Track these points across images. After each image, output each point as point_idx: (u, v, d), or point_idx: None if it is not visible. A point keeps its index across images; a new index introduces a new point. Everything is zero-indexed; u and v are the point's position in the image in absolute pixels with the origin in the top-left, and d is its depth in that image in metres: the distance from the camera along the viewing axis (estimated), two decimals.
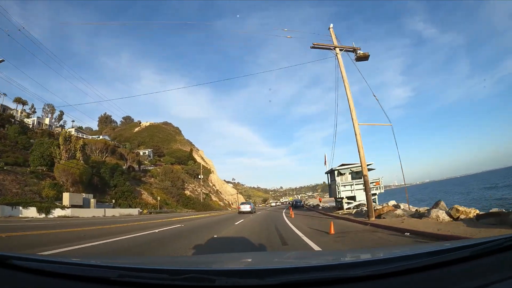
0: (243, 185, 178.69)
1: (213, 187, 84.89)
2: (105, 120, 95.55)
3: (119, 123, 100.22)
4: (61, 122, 61.83)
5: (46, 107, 59.88)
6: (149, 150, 74.11)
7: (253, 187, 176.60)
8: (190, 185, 65.13)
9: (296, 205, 43.54)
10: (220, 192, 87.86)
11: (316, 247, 5.86)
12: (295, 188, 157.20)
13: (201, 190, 62.10)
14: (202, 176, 64.93)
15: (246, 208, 27.87)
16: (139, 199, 40.82)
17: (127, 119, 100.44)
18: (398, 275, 1.11)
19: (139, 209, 34.64)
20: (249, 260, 2.23)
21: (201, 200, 58.46)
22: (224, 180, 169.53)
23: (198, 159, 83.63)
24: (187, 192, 59.23)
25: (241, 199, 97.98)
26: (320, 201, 40.58)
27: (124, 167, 47.35)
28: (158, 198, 43.87)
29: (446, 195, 42.78)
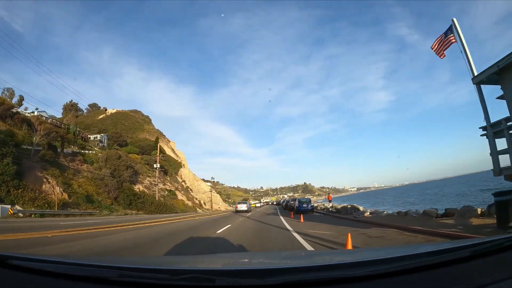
0: (222, 184, 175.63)
1: (183, 183, 73.09)
2: (70, 108, 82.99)
3: (86, 111, 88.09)
4: (21, 108, 49.17)
5: (6, 91, 49.95)
6: (103, 135, 59.07)
7: (233, 187, 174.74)
8: (148, 178, 52.70)
9: (300, 209, 24.52)
10: (191, 190, 74.74)
11: None
12: (276, 189, 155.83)
13: (157, 185, 45.20)
14: (158, 165, 46.04)
15: (243, 207, 33.04)
16: (33, 190, 24.81)
17: (93, 107, 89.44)
18: (398, 275, 1.11)
19: (10, 206, 20.82)
20: (249, 260, 2.23)
21: (157, 199, 42.96)
22: (203, 179, 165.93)
23: (168, 151, 74.01)
24: (139, 187, 44.98)
25: (218, 198, 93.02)
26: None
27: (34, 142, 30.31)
28: (78, 191, 30.57)
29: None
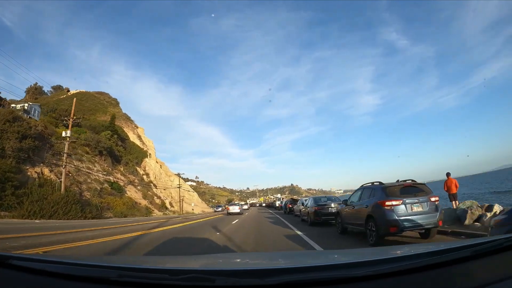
0: (207, 184, 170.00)
1: (144, 176, 57.85)
2: (33, 91, 73.11)
3: (49, 94, 76.13)
4: None
5: None
6: (32, 104, 39.63)
7: (219, 187, 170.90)
8: (81, 164, 35.25)
9: (318, 216, 12.43)
10: (154, 185, 58.06)
11: None
12: (262, 190, 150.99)
13: (64, 167, 25.63)
14: (69, 133, 27.03)
15: (235, 209, 30.14)
16: None
17: (57, 89, 79.67)
18: (398, 275, 1.11)
19: None
20: (249, 260, 2.23)
21: (62, 191, 23.44)
22: (186, 179, 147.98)
23: (132, 137, 62.83)
24: (43, 171, 27.48)
25: (195, 198, 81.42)
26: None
27: None
28: None
29: None
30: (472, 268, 1.21)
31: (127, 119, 70.66)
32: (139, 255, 6.43)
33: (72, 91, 73.22)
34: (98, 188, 34.84)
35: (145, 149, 64.94)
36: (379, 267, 1.15)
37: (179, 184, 60.71)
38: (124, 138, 57.15)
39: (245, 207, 55.38)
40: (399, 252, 1.64)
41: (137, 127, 71.20)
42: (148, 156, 64.47)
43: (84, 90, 74.75)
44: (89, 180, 34.69)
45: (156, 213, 44.42)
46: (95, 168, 39.00)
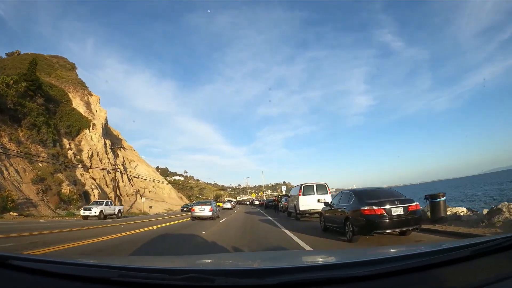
0: (198, 180, 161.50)
1: (76, 156, 41.34)
2: None
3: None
4: None
5: None
6: None
7: (210, 183, 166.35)
8: None
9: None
10: (87, 167, 42.22)
11: None
12: (254, 187, 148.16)
13: None
14: None
15: (205, 211, 18.12)
16: None
17: (11, 55, 64.61)
18: (398, 275, 1.11)
19: None
20: (249, 260, 2.23)
21: None
22: (174, 172, 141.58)
23: (78, 104, 47.49)
24: None
25: (165, 191, 64.02)
26: None
27: None
28: None
29: None
30: (471, 268, 1.21)
31: (81, 84, 56.93)
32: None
33: (25, 54, 58.11)
34: None
35: (89, 119, 47.13)
36: (378, 267, 1.15)
37: (114, 165, 41.14)
38: (58, 100, 42.88)
39: (227, 205, 42.45)
40: (398, 252, 1.64)
41: (91, 95, 55.09)
42: (90, 128, 45.94)
43: (36, 53, 58.76)
44: None
45: (43, 212, 24.72)
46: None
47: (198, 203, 19.87)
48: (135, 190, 50.16)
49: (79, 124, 45.33)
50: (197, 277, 1.08)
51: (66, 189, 31.71)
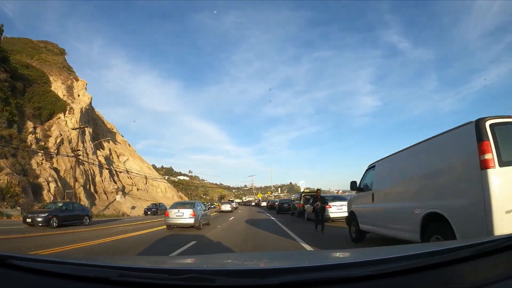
0: (203, 180, 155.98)
1: (40, 142, 33.47)
2: None
3: None
4: None
5: None
6: None
7: (215, 184, 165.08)
8: None
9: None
10: (49, 153, 33.61)
11: None
12: (260, 187, 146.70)
13: None
14: None
15: (185, 216, 12.61)
16: None
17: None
18: (398, 275, 1.11)
19: None
20: (249, 260, 2.22)
21: None
22: (179, 172, 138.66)
23: (57, 86, 41.56)
24: None
25: (158, 190, 57.71)
26: None
27: None
28: None
29: None
30: (472, 268, 1.21)
31: (67, 69, 51.28)
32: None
33: (11, 38, 50.20)
34: None
35: (67, 102, 40.48)
36: (379, 267, 1.15)
37: (76, 150, 31.32)
38: (32, 81, 37.60)
39: (226, 207, 33.05)
40: (399, 252, 1.64)
41: (77, 79, 48.84)
42: (66, 113, 38.84)
43: (23, 38, 54.95)
44: None
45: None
46: None
47: (176, 205, 13.72)
48: (116, 187, 41.62)
49: (53, 107, 37.82)
50: (198, 277, 1.07)
51: (3, 178, 23.79)
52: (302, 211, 18.28)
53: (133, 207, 40.63)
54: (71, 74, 50.35)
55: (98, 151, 44.52)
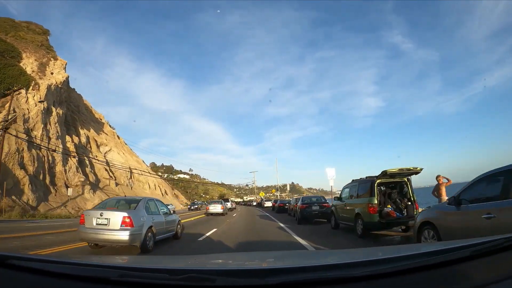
0: (204, 178, 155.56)
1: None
2: None
3: None
4: None
5: None
6: None
7: (217, 183, 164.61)
8: None
9: None
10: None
11: None
12: (262, 187, 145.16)
13: None
14: None
15: (111, 228, 6.58)
16: None
17: None
18: (398, 275, 1.11)
19: None
20: (249, 260, 2.22)
21: None
22: (180, 170, 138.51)
23: (27, 62, 36.53)
24: None
25: (145, 187, 50.94)
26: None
27: None
28: None
29: None
30: (472, 268, 1.21)
31: (46, 47, 45.22)
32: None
33: None
34: None
35: (34, 77, 34.66)
36: (379, 267, 1.15)
37: (4, 121, 24.68)
38: None
39: (215, 209, 24.30)
40: (399, 252, 1.64)
41: (56, 59, 42.16)
42: (30, 88, 32.92)
43: (10, 18, 49.12)
44: None
45: None
46: None
47: (103, 205, 7.83)
48: (82, 180, 34.48)
49: (14, 81, 32.21)
50: (198, 277, 1.07)
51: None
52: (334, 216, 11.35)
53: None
54: (49, 53, 43.96)
55: (68, 136, 37.17)
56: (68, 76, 42.12)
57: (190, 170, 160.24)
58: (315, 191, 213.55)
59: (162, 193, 57.12)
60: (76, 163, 35.71)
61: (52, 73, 38.64)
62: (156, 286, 1.09)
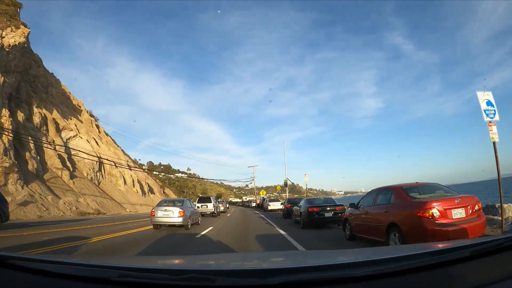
0: (203, 178, 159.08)
1: None
2: None
3: None
4: None
5: None
6: None
7: (216, 183, 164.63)
8: None
9: None
10: None
11: None
12: (262, 187, 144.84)
13: None
14: None
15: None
16: None
17: None
18: (398, 275, 1.11)
19: None
20: (250, 260, 2.22)
21: None
22: (177, 170, 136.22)
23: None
24: None
25: (119, 182, 43.27)
26: None
27: None
28: None
29: None
30: (472, 268, 1.21)
31: (9, 15, 34.81)
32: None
33: None
34: None
35: None
36: (379, 267, 1.15)
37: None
38: None
39: (165, 215, 11.50)
40: (400, 252, 1.64)
41: (18, 27, 33.18)
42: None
43: None
44: None
45: None
46: None
47: None
48: (7, 166, 25.51)
49: None
50: (198, 277, 1.07)
51: None
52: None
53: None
54: (12, 21, 35.18)
55: (6, 110, 27.75)
56: (26, 43, 33.85)
57: (188, 169, 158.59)
58: (315, 192, 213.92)
59: (145, 191, 48.86)
60: (7, 144, 26.09)
61: (2, 36, 30.09)
62: (156, 286, 1.09)
